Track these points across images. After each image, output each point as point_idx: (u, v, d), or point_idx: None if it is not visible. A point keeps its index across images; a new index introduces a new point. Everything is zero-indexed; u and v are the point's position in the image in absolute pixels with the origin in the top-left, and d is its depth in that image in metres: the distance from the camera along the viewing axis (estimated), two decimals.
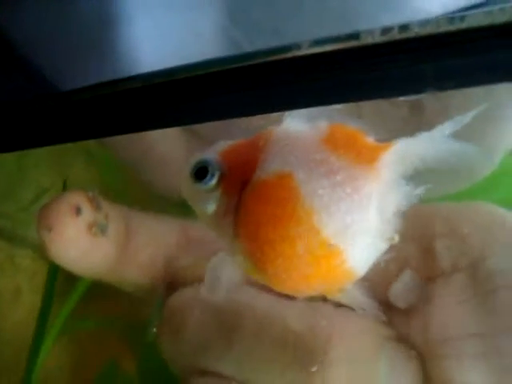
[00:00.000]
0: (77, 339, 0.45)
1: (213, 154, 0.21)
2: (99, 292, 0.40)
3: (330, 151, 0.19)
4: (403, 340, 0.26)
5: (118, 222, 0.30)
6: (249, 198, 0.20)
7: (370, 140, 0.19)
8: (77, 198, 0.29)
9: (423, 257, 0.27)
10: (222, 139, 0.22)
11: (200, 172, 0.21)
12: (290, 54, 0.19)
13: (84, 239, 0.28)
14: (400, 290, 0.26)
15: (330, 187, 0.19)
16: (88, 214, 0.28)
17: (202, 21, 0.37)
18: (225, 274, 0.23)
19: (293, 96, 0.20)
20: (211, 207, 0.21)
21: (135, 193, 0.42)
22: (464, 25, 0.17)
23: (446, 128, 0.18)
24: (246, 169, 0.20)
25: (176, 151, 0.33)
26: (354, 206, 0.19)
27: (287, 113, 0.20)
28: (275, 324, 0.26)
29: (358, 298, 0.23)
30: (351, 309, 0.24)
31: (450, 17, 0.18)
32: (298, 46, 0.19)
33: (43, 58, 0.35)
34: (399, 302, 0.26)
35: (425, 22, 0.18)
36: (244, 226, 0.20)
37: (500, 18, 0.17)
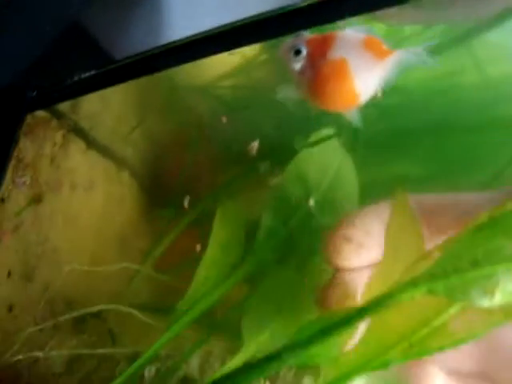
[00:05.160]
0: None
1: (302, 40, 0.38)
2: None
3: (365, 49, 0.36)
4: None
5: None
6: (322, 67, 0.37)
7: (384, 46, 0.36)
8: None
9: None
10: None
11: (296, 51, 0.38)
12: None
13: None
14: None
15: (364, 69, 0.36)
16: None
17: None
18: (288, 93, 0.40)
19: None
20: (298, 66, 0.38)
21: None
22: None
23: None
24: (321, 50, 0.37)
25: None
26: (372, 77, 0.36)
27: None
28: None
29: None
30: None
31: None
32: None
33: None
34: None
35: None
36: (317, 81, 0.37)
37: None
